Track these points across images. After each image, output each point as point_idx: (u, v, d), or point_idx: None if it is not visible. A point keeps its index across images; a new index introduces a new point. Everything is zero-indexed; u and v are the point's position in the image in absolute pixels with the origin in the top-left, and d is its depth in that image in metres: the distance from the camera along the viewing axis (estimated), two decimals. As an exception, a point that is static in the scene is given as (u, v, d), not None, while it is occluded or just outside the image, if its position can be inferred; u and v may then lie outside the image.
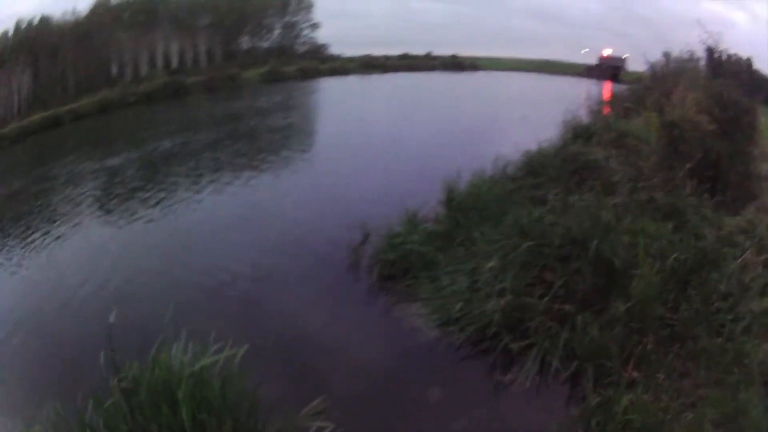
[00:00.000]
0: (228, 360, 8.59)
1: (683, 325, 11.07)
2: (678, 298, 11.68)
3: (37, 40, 51.93)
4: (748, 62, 44.09)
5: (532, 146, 20.52)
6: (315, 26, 73.46)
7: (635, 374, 10.13)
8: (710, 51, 22.48)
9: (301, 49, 73.62)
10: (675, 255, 12.44)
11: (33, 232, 20.75)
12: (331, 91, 64.28)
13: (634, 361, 10.41)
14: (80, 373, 10.02)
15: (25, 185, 28.83)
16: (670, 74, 29.52)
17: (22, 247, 19.45)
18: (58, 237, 20.23)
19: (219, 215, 21.54)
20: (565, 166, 17.97)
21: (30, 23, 51.74)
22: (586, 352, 10.62)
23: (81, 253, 18.73)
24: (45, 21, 53.37)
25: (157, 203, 23.08)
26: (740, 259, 12.69)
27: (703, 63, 26.96)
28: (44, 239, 19.96)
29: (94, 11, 57.25)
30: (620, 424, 8.77)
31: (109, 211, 23.11)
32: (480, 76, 72.87)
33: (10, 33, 50.51)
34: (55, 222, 21.91)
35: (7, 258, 18.70)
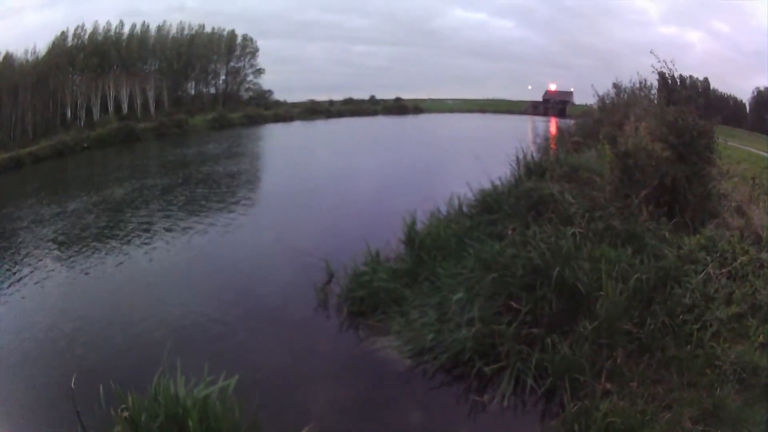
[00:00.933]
0: (224, 389, 9.83)
1: (650, 337, 12.51)
2: (643, 314, 13.10)
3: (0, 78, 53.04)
4: (705, 83, 46.26)
5: (482, 185, 22.05)
6: (259, 71, 75.48)
7: (608, 386, 11.44)
8: (662, 77, 23.62)
9: (246, 95, 75.37)
10: (636, 275, 13.81)
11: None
12: (277, 137, 66.64)
13: (606, 374, 11.77)
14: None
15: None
16: (621, 105, 30.97)
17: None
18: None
19: (182, 261, 22.77)
20: (521, 201, 19.21)
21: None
22: (559, 369, 11.92)
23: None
24: (8, 59, 54.20)
25: (122, 246, 24.80)
26: (703, 273, 14.07)
27: (655, 91, 28.18)
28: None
29: (52, 52, 58.47)
30: (602, 427, 9.91)
31: (73, 254, 24.31)
32: (424, 118, 74.53)
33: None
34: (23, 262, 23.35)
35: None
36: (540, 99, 70.26)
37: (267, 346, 15.48)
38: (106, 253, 23.89)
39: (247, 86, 77.04)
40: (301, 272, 19.44)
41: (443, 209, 20.99)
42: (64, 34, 61.58)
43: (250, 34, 75.53)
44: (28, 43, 57.91)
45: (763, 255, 14.64)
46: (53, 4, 66.52)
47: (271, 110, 74.51)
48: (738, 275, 14.06)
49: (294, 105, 75.94)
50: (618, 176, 19.18)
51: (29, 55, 57.88)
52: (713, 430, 9.79)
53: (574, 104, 63.63)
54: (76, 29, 62.68)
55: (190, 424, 8.99)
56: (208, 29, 73.48)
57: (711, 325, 12.53)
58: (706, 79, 46.10)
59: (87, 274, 21.53)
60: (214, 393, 9.77)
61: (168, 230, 26.79)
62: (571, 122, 42.39)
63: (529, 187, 19.91)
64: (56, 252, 25.00)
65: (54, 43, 60.53)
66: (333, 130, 68.51)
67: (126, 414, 9.36)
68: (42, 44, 59.63)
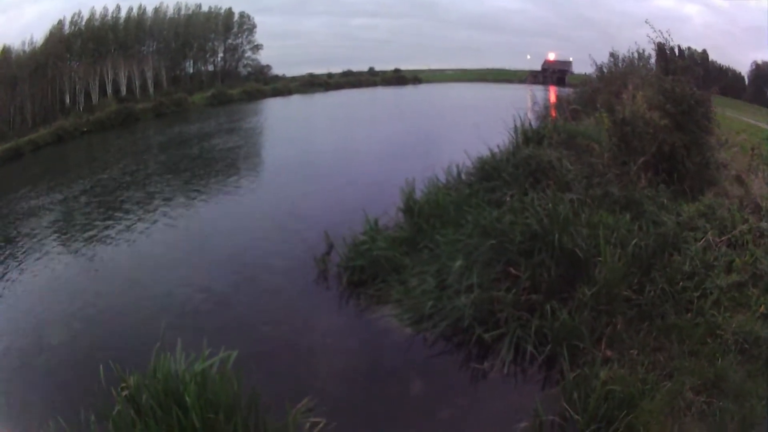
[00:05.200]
0: (223, 363, 9.63)
1: (650, 304, 12.16)
2: (642, 280, 12.73)
3: (-2, 71, 52.63)
4: (704, 55, 45.78)
5: (482, 153, 21.51)
6: (257, 48, 74.48)
7: (609, 353, 11.08)
8: (660, 48, 23.16)
9: (245, 71, 74.60)
10: (635, 241, 13.45)
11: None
12: (276, 110, 65.81)
13: (605, 341, 11.42)
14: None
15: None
16: (619, 74, 30.60)
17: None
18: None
19: (180, 238, 22.49)
20: (519, 169, 18.77)
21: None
22: (558, 335, 11.57)
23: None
24: (7, 52, 53.75)
25: (133, 224, 24.39)
26: (702, 241, 13.64)
27: (653, 61, 27.83)
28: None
29: (49, 40, 57.93)
30: (601, 395, 9.53)
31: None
32: (423, 88, 74.04)
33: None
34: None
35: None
36: (539, 68, 69.96)
37: (266, 318, 15.11)
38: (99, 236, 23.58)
39: (245, 62, 76.17)
40: (301, 244, 19.15)
41: (442, 177, 20.53)
42: (61, 23, 60.77)
43: (248, 11, 74.95)
44: (26, 35, 57.54)
45: (763, 224, 14.18)
46: None
47: (269, 85, 73.99)
48: (738, 243, 13.62)
49: (293, 79, 75.12)
50: (616, 144, 18.81)
51: (26, 46, 57.43)
52: (716, 401, 9.35)
53: (572, 73, 63.29)
54: (72, 17, 61.87)
55: (188, 398, 8.72)
56: (204, 8, 72.96)
57: (711, 293, 12.09)
58: (704, 51, 45.69)
59: (91, 260, 21.03)
60: (214, 367, 9.58)
61: (166, 210, 26.26)
62: (570, 91, 42.15)
63: (527, 154, 19.45)
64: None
65: (51, 32, 59.84)
66: (330, 102, 68.01)
67: (126, 393, 9.19)
68: (40, 35, 59.23)
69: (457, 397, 11.36)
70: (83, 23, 62.12)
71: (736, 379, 9.74)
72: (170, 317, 14.77)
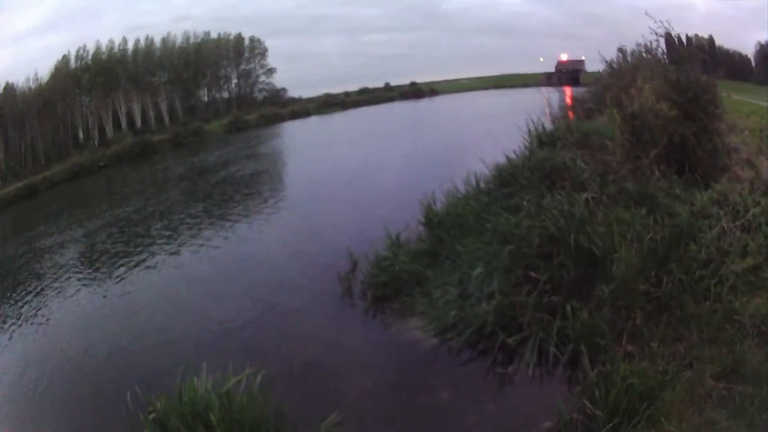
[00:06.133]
0: (250, 382, 9.96)
1: (668, 296, 12.21)
2: (659, 273, 12.73)
3: (3, 109, 52.88)
4: (710, 41, 45.60)
5: (500, 159, 21.60)
6: (271, 71, 75.26)
7: (629, 347, 11.17)
8: (668, 38, 23.10)
9: (260, 95, 75.04)
10: (650, 235, 13.46)
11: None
12: (295, 133, 66.15)
13: (626, 336, 11.50)
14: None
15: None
16: (628, 68, 30.53)
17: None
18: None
19: (207, 264, 23.09)
20: (535, 172, 18.84)
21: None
22: (580, 334, 11.66)
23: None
24: (9, 89, 54.20)
25: (162, 251, 25.58)
26: (716, 228, 13.68)
27: (661, 52, 27.74)
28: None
29: (55, 76, 58.36)
30: (622, 389, 9.54)
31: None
32: (440, 100, 74.21)
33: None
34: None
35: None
36: (553, 70, 69.77)
37: (294, 338, 15.55)
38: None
39: (260, 87, 76.99)
40: (325, 263, 19.46)
41: (461, 188, 20.65)
42: (66, 58, 61.37)
43: (260, 35, 75.26)
44: (29, 70, 57.73)
45: (775, 204, 14.20)
46: (52, 28, 66.19)
47: (286, 108, 74.15)
48: (751, 227, 13.65)
49: (309, 100, 75.57)
50: (627, 138, 18.76)
51: (32, 82, 57.76)
52: (735, 386, 9.41)
53: (586, 72, 62.98)
54: (78, 51, 62.45)
55: (212, 417, 9.01)
56: (214, 35, 73.23)
57: (727, 279, 12.18)
58: (710, 37, 45.54)
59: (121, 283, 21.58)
60: (241, 386, 9.89)
61: (189, 240, 27.10)
62: (584, 90, 42.00)
63: (541, 157, 19.51)
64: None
65: (56, 67, 60.26)
66: (349, 121, 68.24)
67: (153, 416, 9.47)
68: (44, 70, 59.46)
69: (484, 402, 11.56)
70: (90, 57, 62.63)
71: (755, 362, 9.81)
72: (199, 340, 15.70)
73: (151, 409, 9.62)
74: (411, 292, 15.71)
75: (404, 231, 18.70)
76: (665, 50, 23.87)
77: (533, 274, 13.30)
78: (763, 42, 51.25)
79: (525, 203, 16.70)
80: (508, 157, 21.63)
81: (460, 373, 12.62)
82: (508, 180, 19.55)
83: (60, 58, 60.97)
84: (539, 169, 18.83)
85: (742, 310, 11.20)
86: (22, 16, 65.14)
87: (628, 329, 11.65)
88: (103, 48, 64.23)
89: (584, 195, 15.71)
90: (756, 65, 52.17)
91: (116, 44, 65.38)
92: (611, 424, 9.19)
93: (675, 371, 10.03)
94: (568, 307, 12.25)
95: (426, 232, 18.45)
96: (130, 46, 66.47)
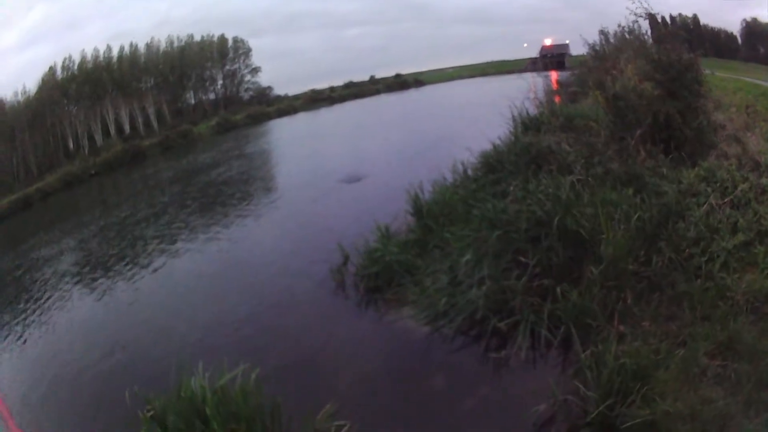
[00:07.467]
0: (246, 377, 9.97)
1: (659, 274, 12.03)
2: (649, 252, 12.58)
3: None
4: (694, 19, 45.52)
5: (486, 146, 21.36)
6: (255, 70, 74.82)
7: (621, 327, 10.97)
8: (652, 18, 22.96)
9: (247, 95, 74.78)
10: (638, 215, 13.29)
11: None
12: (283, 130, 65.77)
13: (617, 316, 11.30)
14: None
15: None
16: (612, 50, 30.34)
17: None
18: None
19: (199, 264, 23.00)
20: (520, 158, 18.65)
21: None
22: (571, 316, 11.48)
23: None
24: None
25: (157, 253, 25.48)
26: (705, 205, 13.47)
27: (643, 32, 27.58)
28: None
29: (43, 88, 58.12)
30: (614, 369, 9.38)
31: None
32: (426, 90, 74.05)
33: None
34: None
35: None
36: (537, 55, 69.60)
37: (288, 332, 15.43)
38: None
39: (246, 86, 76.49)
40: (318, 258, 19.18)
41: (449, 176, 20.47)
42: (52, 69, 60.90)
43: (241, 35, 74.98)
44: (17, 85, 57.50)
45: (764, 180, 14.04)
46: (35, 42, 65.64)
47: (273, 106, 73.84)
48: (741, 203, 13.46)
49: (296, 97, 75.19)
50: (611, 120, 18.60)
51: (19, 96, 57.53)
52: (730, 363, 9.22)
53: (571, 56, 62.82)
54: (63, 61, 61.98)
55: (208, 411, 9.02)
56: (197, 38, 72.90)
57: (718, 256, 11.99)
58: (695, 16, 45.48)
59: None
60: (236, 381, 9.94)
61: (183, 239, 27.11)
62: (570, 74, 41.89)
63: (526, 142, 19.31)
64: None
65: (43, 79, 59.92)
66: (336, 116, 68.03)
67: (151, 414, 9.53)
68: (31, 83, 59.18)
69: (478, 387, 11.40)
70: (75, 67, 62.26)
71: (749, 339, 9.61)
72: (193, 338, 15.74)
73: (149, 407, 9.64)
74: (402, 281, 15.52)
75: (393, 222, 18.57)
76: (649, 30, 23.75)
77: (522, 258, 13.15)
78: (748, 19, 51.23)
79: (511, 188, 16.55)
80: (494, 144, 21.35)
81: (453, 359, 12.48)
82: (495, 166, 19.40)
83: (46, 70, 60.88)
84: (525, 154, 18.64)
85: (735, 286, 11.02)
86: (4, 33, 64.73)
87: (619, 309, 11.46)
88: (89, 57, 63.73)
89: (570, 178, 15.52)
90: (742, 42, 52.16)
91: (101, 52, 64.89)
92: (605, 405, 9.01)
93: (668, 350, 9.85)
94: (558, 290, 12.10)
95: (415, 221, 18.26)
96: (115, 53, 66.00)
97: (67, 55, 62.33)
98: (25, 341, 19.06)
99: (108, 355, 16.09)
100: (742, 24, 52.21)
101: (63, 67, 61.87)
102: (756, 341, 9.53)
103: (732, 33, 52.27)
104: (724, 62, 34.74)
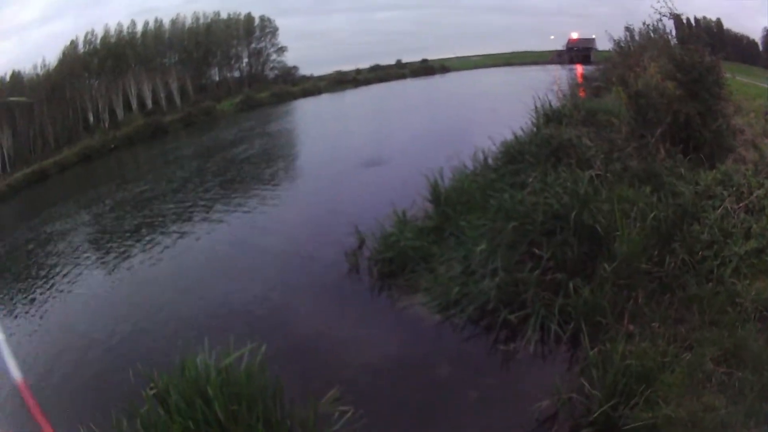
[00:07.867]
0: (252, 357, 9.98)
1: (671, 276, 12.03)
2: (662, 252, 12.56)
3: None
4: (718, 23, 45.16)
5: (508, 136, 21.36)
6: (282, 50, 73.88)
7: (630, 327, 11.01)
8: (676, 18, 22.90)
9: (272, 74, 74.06)
10: (654, 214, 13.27)
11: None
12: (306, 110, 65.53)
13: (627, 315, 11.34)
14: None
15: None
16: (636, 48, 30.25)
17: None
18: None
19: (214, 242, 23.11)
20: (541, 149, 18.67)
21: (2, 81, 52.30)
22: (581, 312, 11.52)
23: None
24: (16, 77, 53.81)
25: (171, 230, 25.71)
26: (720, 209, 13.46)
27: (668, 32, 27.44)
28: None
29: (63, 61, 57.76)
30: (620, 370, 9.43)
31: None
32: (451, 77, 73.37)
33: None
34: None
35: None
36: (563, 48, 69.03)
37: (298, 313, 15.56)
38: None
39: (271, 65, 75.41)
40: (334, 241, 19.26)
41: (469, 164, 20.53)
42: (74, 43, 60.20)
43: (269, 14, 74.34)
44: (37, 58, 57.15)
45: (779, 186, 13.99)
46: (58, 15, 65.06)
47: (298, 86, 73.34)
48: (755, 209, 13.39)
49: (321, 78, 74.11)
50: (633, 117, 18.56)
51: (39, 69, 57.11)
52: (735, 371, 9.23)
53: (597, 50, 62.29)
54: (86, 35, 61.37)
55: (210, 390, 9.03)
56: (224, 15, 72.25)
57: (730, 261, 11.94)
58: (718, 20, 45.09)
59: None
60: (243, 362, 9.92)
61: (201, 217, 27.15)
62: (594, 68, 41.67)
63: (548, 134, 19.33)
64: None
65: (64, 52, 59.32)
66: (360, 99, 67.38)
67: (154, 392, 9.52)
68: (51, 57, 58.73)
69: (485, 378, 11.48)
70: (98, 41, 61.58)
71: (756, 348, 9.59)
72: (204, 316, 15.81)
73: (152, 385, 9.64)
74: (416, 268, 15.61)
75: (411, 208, 18.54)
76: (673, 30, 23.68)
77: (536, 251, 13.22)
78: (769, 27, 50.79)
79: (530, 180, 16.58)
80: (515, 134, 21.39)
81: (462, 348, 12.56)
82: (515, 157, 19.39)
83: (68, 43, 60.53)
84: (545, 146, 18.66)
85: (744, 293, 10.96)
86: (27, 5, 64.33)
87: (630, 309, 11.49)
88: (112, 32, 62.98)
89: (589, 172, 15.58)
90: (763, 50, 51.72)
91: (125, 27, 64.10)
92: (609, 405, 9.08)
93: (675, 353, 9.87)
94: (571, 285, 12.14)
95: (432, 208, 18.29)
96: (139, 28, 65.15)
97: (90, 29, 62.04)
98: (33, 315, 19.16)
99: (116, 332, 16.16)
100: (763, 32, 51.80)
101: (85, 41, 61.19)
102: (762, 350, 9.51)
103: (753, 40, 51.83)
104: (745, 67, 34.44)
